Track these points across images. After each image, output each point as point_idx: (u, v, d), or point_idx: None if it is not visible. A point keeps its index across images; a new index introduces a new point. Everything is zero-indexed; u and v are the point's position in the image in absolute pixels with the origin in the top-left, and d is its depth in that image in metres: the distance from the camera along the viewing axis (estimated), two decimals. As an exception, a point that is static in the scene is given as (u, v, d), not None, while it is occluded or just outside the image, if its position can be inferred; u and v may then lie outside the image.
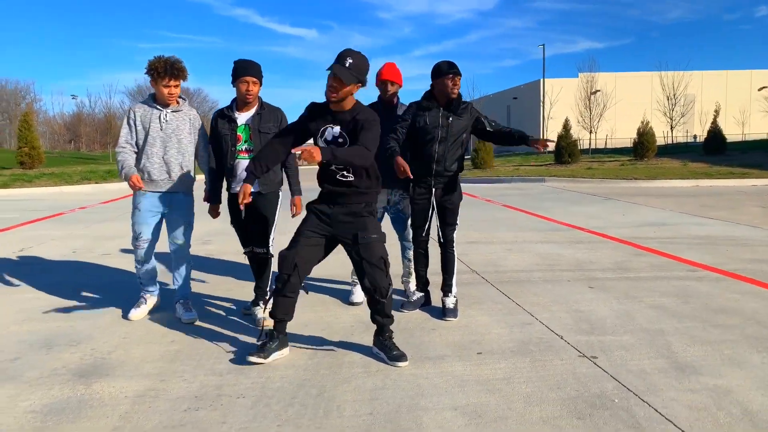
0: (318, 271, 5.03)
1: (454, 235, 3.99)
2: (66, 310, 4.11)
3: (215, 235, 7.18)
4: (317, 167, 3.09)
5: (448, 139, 3.79)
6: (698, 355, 3.16)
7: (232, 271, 5.35)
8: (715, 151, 21.72)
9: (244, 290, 4.58)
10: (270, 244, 3.82)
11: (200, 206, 3.99)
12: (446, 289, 3.98)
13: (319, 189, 3.18)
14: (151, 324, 3.80)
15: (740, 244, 6.42)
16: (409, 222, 4.15)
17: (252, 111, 3.73)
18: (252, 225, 3.80)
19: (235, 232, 3.94)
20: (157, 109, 3.76)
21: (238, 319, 3.90)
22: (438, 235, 4.00)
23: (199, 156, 3.91)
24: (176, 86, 3.71)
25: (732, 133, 32.31)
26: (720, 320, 3.75)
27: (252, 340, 3.45)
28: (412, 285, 4.26)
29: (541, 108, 38.37)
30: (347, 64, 2.92)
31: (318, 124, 3.10)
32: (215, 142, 3.80)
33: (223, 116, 3.75)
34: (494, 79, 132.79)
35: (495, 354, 3.21)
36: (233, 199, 3.81)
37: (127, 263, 5.67)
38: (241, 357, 3.16)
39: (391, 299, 3.15)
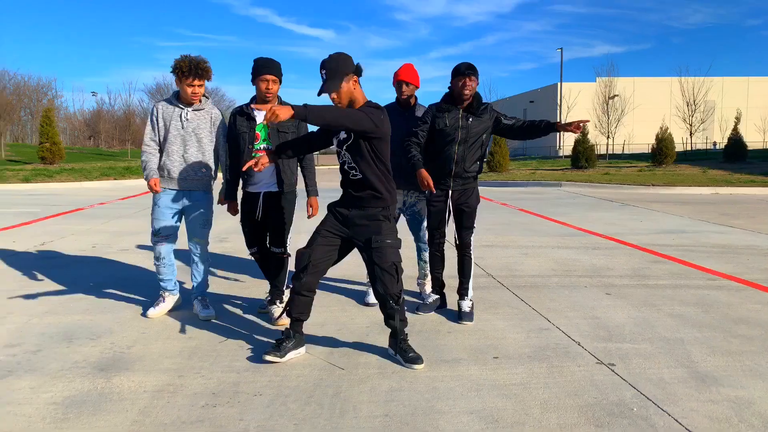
0: (334, 271, 5.06)
1: (472, 238, 3.97)
2: (86, 304, 4.17)
3: (232, 233, 7.24)
4: (338, 167, 3.12)
5: (467, 140, 3.79)
6: (719, 365, 3.12)
7: (248, 269, 5.39)
8: (736, 159, 21.42)
9: (261, 288, 4.61)
10: (287, 244, 3.85)
11: (218, 204, 4.03)
12: (462, 292, 3.97)
13: (340, 191, 3.21)
14: (169, 320, 3.84)
15: (761, 253, 6.31)
16: (425, 224, 4.14)
17: None
18: (270, 224, 3.83)
19: (243, 232, 3.93)
20: (179, 107, 3.80)
21: (254, 317, 3.92)
22: (454, 237, 3.99)
23: (220, 154, 3.95)
24: (200, 86, 3.74)
25: (753, 140, 31.85)
26: (741, 330, 3.70)
27: (268, 338, 3.47)
28: (428, 287, 4.25)
29: (558, 112, 38.05)
30: (324, 76, 3.01)
31: None
32: (233, 139, 3.82)
33: (242, 113, 3.78)
34: (511, 82, 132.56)
35: (511, 359, 3.19)
36: (248, 198, 3.83)
37: (145, 259, 5.74)
38: (257, 355, 3.19)
39: (404, 305, 3.16)
